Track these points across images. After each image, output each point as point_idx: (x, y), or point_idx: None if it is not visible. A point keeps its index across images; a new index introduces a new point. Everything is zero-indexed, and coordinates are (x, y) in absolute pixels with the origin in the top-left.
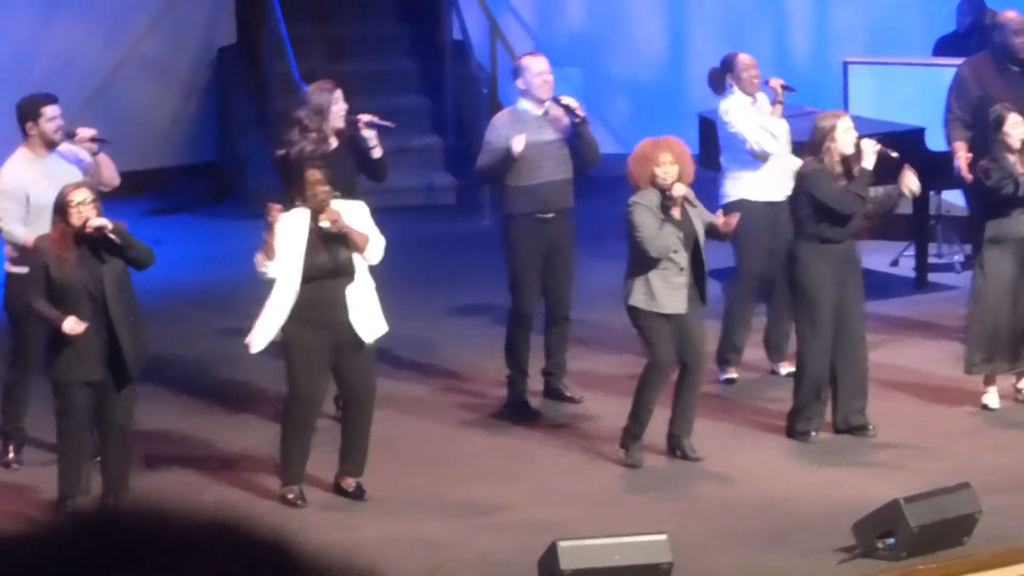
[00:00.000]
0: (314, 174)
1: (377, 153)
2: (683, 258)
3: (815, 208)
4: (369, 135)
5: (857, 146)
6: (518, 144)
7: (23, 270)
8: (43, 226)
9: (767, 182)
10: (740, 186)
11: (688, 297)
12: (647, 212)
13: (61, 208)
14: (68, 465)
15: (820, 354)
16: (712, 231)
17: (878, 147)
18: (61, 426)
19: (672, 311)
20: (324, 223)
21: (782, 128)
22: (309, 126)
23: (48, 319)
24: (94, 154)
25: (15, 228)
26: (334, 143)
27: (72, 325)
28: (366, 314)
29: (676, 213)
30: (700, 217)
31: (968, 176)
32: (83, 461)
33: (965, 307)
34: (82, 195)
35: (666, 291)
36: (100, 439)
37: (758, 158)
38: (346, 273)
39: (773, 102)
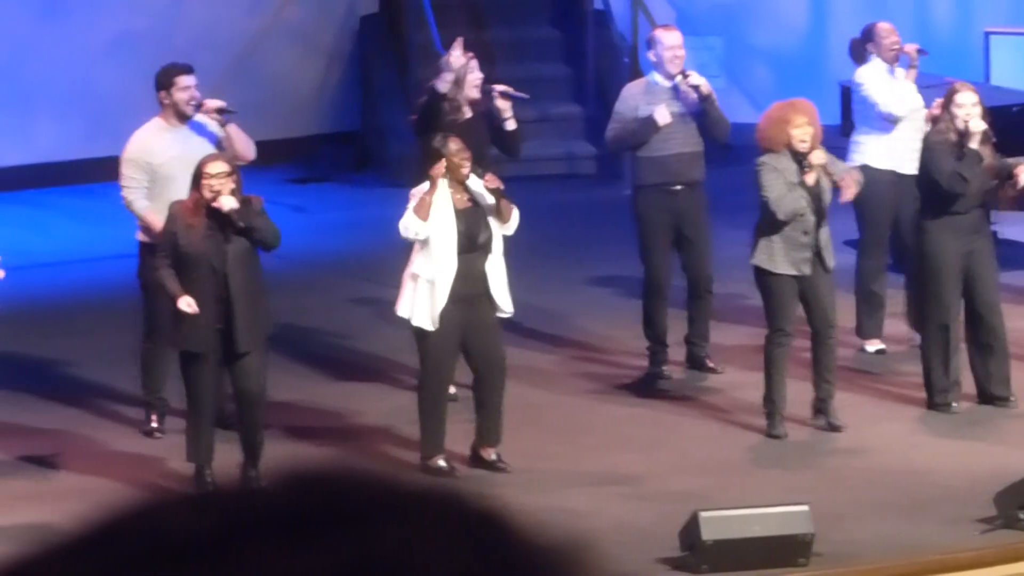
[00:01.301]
0: (455, 143)
1: (511, 125)
2: (810, 222)
3: (932, 181)
4: (503, 106)
5: (967, 125)
6: (662, 116)
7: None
8: (170, 197)
9: (894, 151)
10: (865, 152)
11: (813, 263)
12: (774, 173)
13: (196, 178)
14: (194, 434)
15: (942, 324)
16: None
17: (984, 127)
18: (187, 395)
19: (793, 272)
20: (490, 186)
21: (914, 96)
22: (449, 95)
23: (166, 291)
24: (223, 126)
25: (137, 199)
26: (468, 112)
27: (186, 305)
28: (502, 287)
29: (810, 179)
30: (827, 183)
31: None
32: (209, 430)
33: None
34: (217, 167)
35: (789, 253)
36: (236, 409)
37: (888, 122)
38: (484, 247)
39: (908, 67)
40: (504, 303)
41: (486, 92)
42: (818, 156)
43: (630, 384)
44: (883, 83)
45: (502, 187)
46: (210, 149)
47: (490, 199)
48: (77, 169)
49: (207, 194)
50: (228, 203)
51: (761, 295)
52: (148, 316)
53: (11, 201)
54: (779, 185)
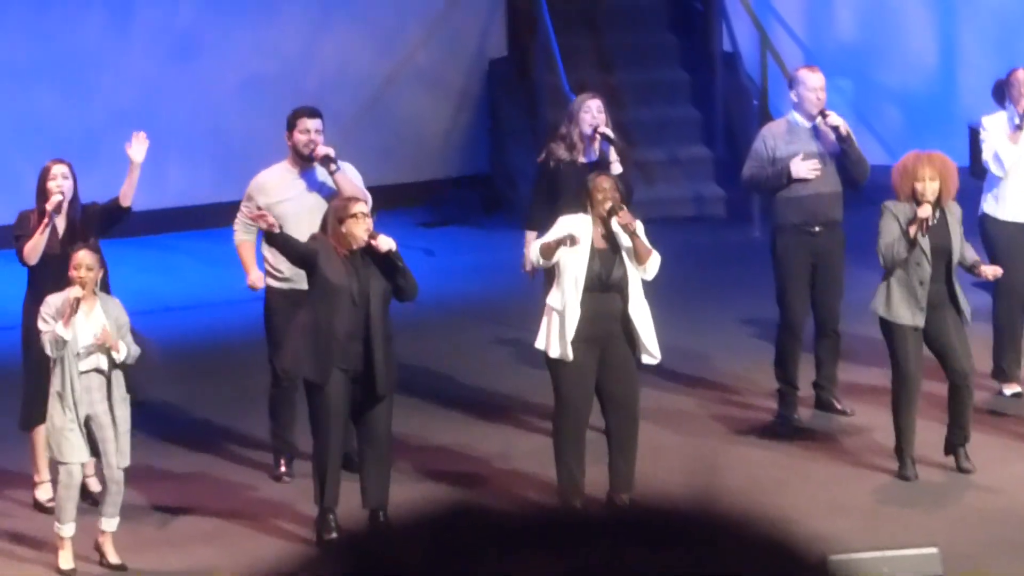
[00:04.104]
0: (605, 181)
1: (616, 169)
2: (925, 272)
3: None
4: (610, 149)
5: None
6: (796, 169)
7: (283, 285)
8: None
9: (1013, 201)
10: (989, 201)
11: (945, 313)
12: (892, 219)
13: (342, 219)
14: (323, 475)
15: None
16: (969, 269)
17: None
18: (314, 436)
19: (905, 322)
20: (621, 223)
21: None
22: (563, 133)
23: (283, 242)
24: (331, 174)
25: (237, 231)
26: (582, 158)
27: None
28: (647, 331)
29: (912, 231)
30: (959, 236)
31: None
32: (337, 472)
33: None
34: (365, 207)
35: (904, 301)
36: (360, 451)
37: (993, 172)
38: (618, 288)
39: (1016, 127)
40: (651, 347)
41: (593, 134)
42: (924, 210)
43: (760, 426)
44: (995, 137)
45: (634, 226)
46: (329, 193)
47: (627, 240)
48: (206, 213)
49: (361, 232)
50: (387, 243)
51: (887, 343)
52: (276, 359)
53: (142, 245)
54: (892, 231)
